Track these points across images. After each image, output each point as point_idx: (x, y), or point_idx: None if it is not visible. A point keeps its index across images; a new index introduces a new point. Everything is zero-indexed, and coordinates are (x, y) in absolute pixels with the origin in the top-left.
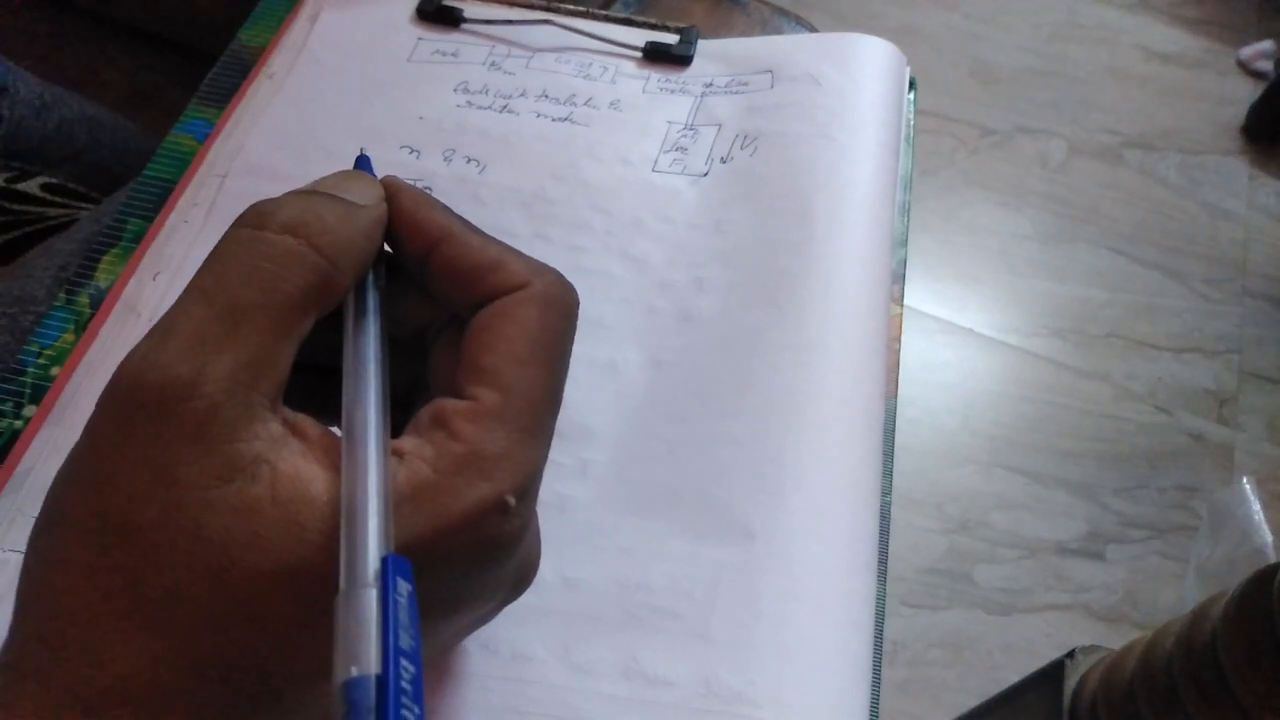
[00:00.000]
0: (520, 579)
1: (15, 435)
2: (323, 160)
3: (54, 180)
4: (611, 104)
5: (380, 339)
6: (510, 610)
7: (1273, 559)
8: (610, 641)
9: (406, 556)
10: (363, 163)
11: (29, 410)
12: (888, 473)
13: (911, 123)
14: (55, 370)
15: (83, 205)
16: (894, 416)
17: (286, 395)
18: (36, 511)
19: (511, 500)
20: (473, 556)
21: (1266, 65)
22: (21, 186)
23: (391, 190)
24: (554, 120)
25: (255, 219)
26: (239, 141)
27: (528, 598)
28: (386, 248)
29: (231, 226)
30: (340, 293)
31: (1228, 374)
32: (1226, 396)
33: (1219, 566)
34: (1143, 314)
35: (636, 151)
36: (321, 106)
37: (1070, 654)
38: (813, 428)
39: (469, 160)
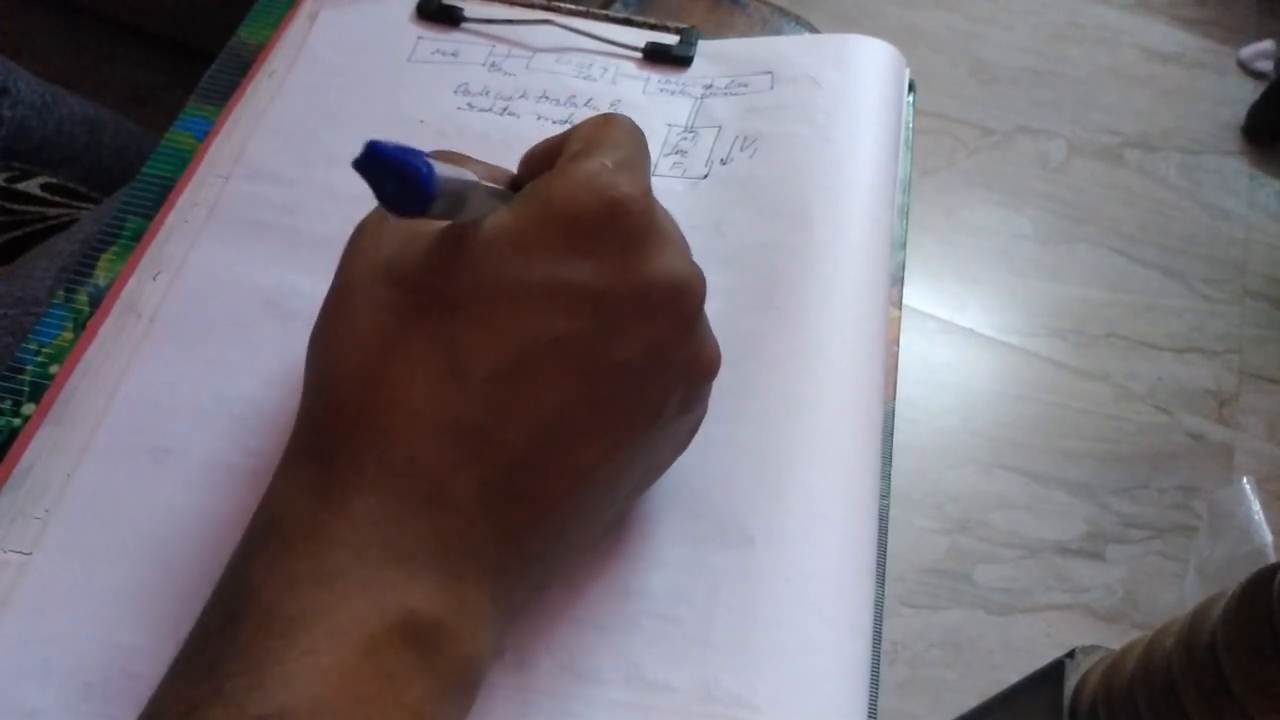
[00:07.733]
0: (694, 365)
1: (14, 433)
2: (324, 163)
3: (54, 180)
4: (612, 105)
5: None
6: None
7: (1273, 559)
8: (612, 648)
9: (537, 229)
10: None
11: (28, 408)
12: (886, 476)
13: (910, 126)
14: (54, 368)
15: (83, 205)
16: (893, 420)
17: None
18: (36, 510)
19: (609, 162)
20: (608, 225)
21: (1266, 65)
22: (21, 186)
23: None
24: (555, 122)
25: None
26: (240, 142)
27: (535, 605)
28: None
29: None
30: None
31: (1228, 374)
32: (1226, 396)
33: (1219, 566)
34: (1143, 314)
35: None
36: (322, 108)
37: (1070, 654)
38: (812, 432)
39: None
